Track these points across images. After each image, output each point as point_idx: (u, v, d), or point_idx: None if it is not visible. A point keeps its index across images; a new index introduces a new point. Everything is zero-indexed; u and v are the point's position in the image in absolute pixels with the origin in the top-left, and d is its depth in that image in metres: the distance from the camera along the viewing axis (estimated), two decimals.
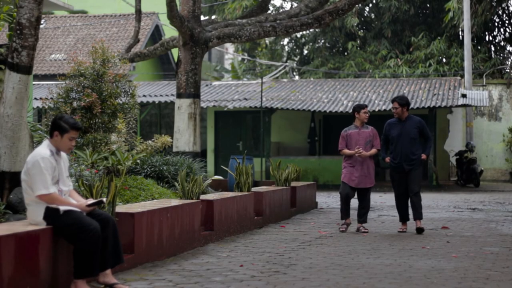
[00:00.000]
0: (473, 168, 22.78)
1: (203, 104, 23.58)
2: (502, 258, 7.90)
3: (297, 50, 36.53)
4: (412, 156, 10.32)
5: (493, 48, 31.78)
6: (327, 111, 22.79)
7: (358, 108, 10.65)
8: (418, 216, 10.39)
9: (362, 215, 10.54)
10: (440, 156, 25.31)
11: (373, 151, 10.52)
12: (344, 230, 10.44)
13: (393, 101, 10.57)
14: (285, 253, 8.19)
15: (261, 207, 11.15)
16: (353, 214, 10.94)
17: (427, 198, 17.45)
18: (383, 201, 16.49)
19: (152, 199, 9.45)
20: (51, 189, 5.82)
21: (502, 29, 32.09)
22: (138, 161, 11.11)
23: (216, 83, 27.84)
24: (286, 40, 36.06)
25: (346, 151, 10.53)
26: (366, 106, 10.79)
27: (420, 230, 10.25)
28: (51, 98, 10.87)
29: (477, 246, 8.87)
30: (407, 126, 10.39)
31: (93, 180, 8.06)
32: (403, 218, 10.59)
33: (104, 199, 6.29)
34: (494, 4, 29.15)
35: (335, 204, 15.65)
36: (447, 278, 6.64)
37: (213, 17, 34.13)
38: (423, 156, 10.34)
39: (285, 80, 28.90)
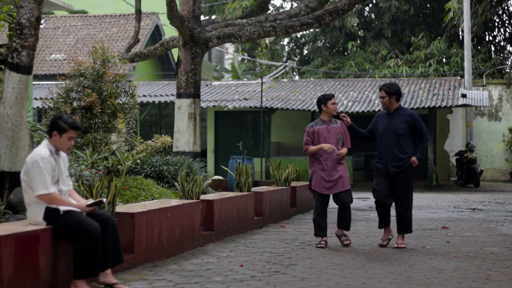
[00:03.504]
0: (473, 168, 22.78)
1: (203, 104, 23.59)
2: (502, 258, 7.90)
3: (297, 50, 36.53)
4: (401, 155, 8.60)
5: (493, 48, 31.80)
6: None
7: (325, 99, 8.87)
8: (403, 229, 8.75)
9: (348, 223, 8.85)
10: (440, 156, 25.32)
11: (345, 150, 8.83)
12: (323, 246, 8.71)
13: (380, 88, 8.85)
14: (285, 253, 8.19)
15: (261, 207, 11.15)
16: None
17: (427, 198, 17.46)
18: None
19: (152, 199, 9.45)
20: (50, 189, 5.82)
21: (502, 29, 32.12)
22: (138, 161, 11.11)
23: (216, 83, 27.85)
24: (286, 40, 36.07)
25: (313, 147, 8.79)
26: (333, 96, 8.97)
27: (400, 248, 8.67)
28: (51, 98, 10.86)
29: (477, 246, 8.87)
30: (394, 119, 8.71)
31: (93, 180, 8.06)
32: (384, 225, 8.81)
33: (104, 199, 6.29)
34: (494, 4, 29.15)
35: (335, 204, 15.63)
36: (447, 278, 6.64)
37: (213, 17, 34.15)
38: (413, 159, 8.60)
39: (285, 80, 28.91)
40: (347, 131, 8.92)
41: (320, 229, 8.83)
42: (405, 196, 8.71)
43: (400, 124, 8.66)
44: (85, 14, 32.91)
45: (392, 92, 8.71)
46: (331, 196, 8.98)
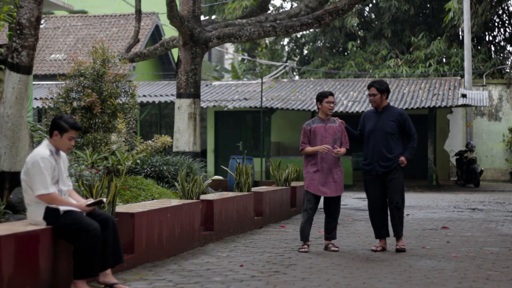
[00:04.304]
0: (473, 168, 22.78)
1: (203, 104, 23.59)
2: (502, 258, 7.90)
3: (297, 50, 36.53)
4: (388, 155, 8.32)
5: (493, 48, 31.80)
6: None
7: (321, 96, 8.61)
8: (399, 233, 8.49)
9: (331, 231, 8.51)
10: (440, 156, 25.32)
11: (343, 150, 8.46)
12: (306, 250, 8.36)
13: (370, 86, 8.52)
14: (285, 253, 8.19)
15: (261, 207, 11.15)
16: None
17: (427, 198, 17.45)
18: None
19: (152, 199, 9.45)
20: (50, 189, 5.82)
21: (502, 29, 32.12)
22: (138, 161, 11.11)
23: (216, 83, 27.85)
24: (286, 40, 36.07)
25: (310, 148, 8.47)
26: (331, 94, 8.66)
27: (400, 251, 8.38)
28: (51, 98, 10.86)
29: (477, 246, 8.87)
30: (382, 117, 8.46)
31: (93, 180, 8.06)
32: (379, 234, 8.53)
33: (104, 199, 6.29)
34: (494, 4, 29.15)
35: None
36: (447, 278, 6.64)
37: (213, 17, 34.15)
38: (401, 159, 8.31)
39: (285, 80, 28.91)
40: (345, 131, 8.61)
41: (305, 236, 8.46)
42: (398, 194, 8.41)
43: (389, 122, 8.39)
44: (85, 14, 32.91)
45: (383, 90, 8.47)
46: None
